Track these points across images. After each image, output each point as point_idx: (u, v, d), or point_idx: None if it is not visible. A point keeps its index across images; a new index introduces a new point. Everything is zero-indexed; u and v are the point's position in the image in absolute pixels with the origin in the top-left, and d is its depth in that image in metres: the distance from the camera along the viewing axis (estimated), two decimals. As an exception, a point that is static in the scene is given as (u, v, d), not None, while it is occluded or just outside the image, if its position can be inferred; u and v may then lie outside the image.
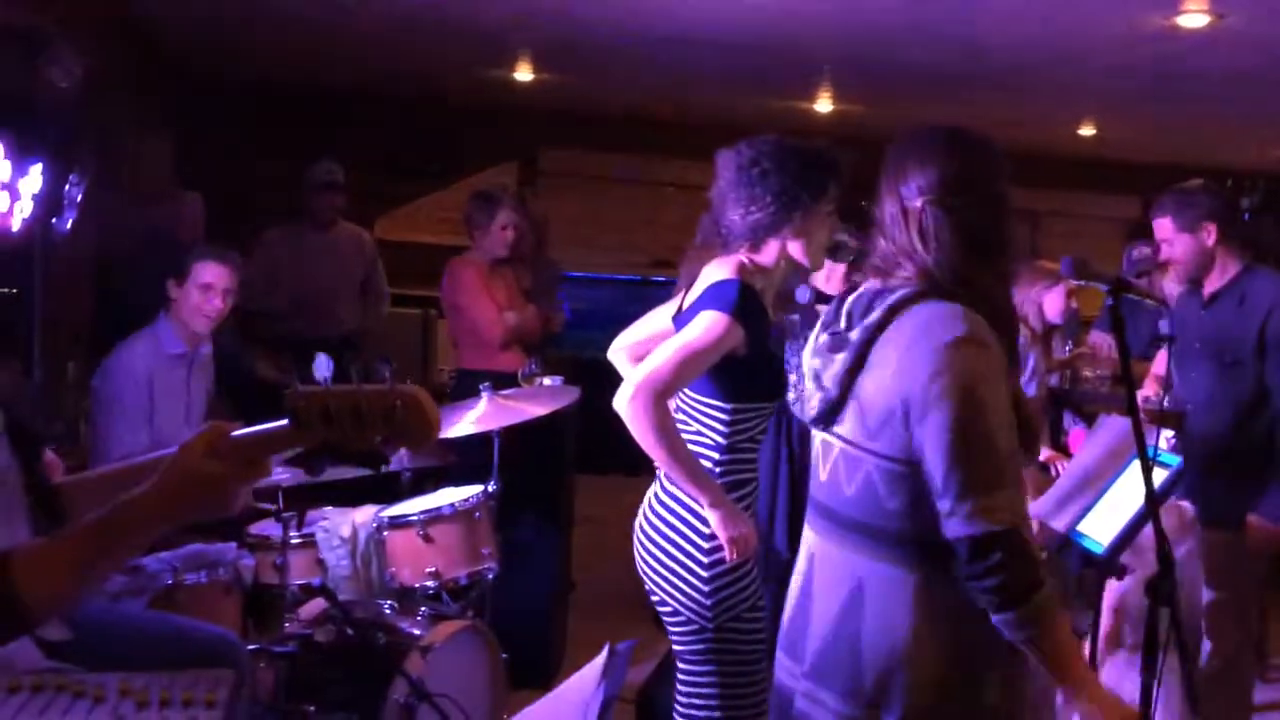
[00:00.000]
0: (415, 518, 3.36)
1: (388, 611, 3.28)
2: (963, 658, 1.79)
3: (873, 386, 1.79)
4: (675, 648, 2.52)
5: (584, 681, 1.70)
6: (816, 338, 1.93)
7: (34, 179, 3.61)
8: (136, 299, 3.86)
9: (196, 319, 3.50)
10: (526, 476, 4.07)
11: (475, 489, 3.50)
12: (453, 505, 3.40)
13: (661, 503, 2.50)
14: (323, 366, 1.42)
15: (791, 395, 2.01)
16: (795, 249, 2.47)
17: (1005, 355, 1.81)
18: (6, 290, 3.79)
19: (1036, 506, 2.69)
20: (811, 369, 1.90)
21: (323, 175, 5.49)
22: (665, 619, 2.51)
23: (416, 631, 3.12)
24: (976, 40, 5.02)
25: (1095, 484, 2.53)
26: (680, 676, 2.53)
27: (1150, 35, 4.64)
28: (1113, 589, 3.52)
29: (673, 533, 2.46)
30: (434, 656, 2.98)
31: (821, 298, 3.54)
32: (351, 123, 7.38)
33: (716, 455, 2.45)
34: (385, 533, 3.38)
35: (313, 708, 3.00)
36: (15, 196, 3.54)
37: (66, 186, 3.67)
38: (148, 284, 3.65)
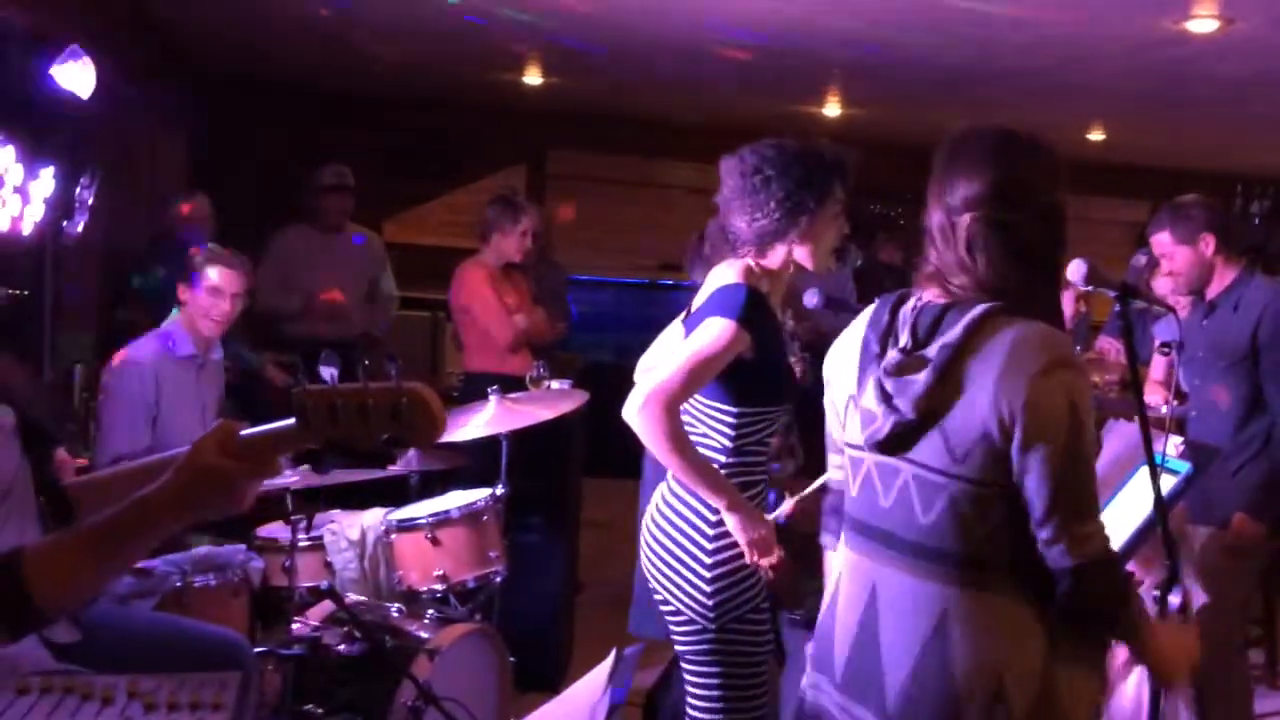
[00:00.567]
0: (423, 521, 3.36)
1: (395, 614, 3.28)
2: (1058, 681, 1.74)
3: (962, 409, 1.70)
4: (679, 649, 2.52)
5: (591, 685, 1.70)
6: (869, 351, 1.83)
7: (45, 182, 3.63)
8: (146, 301, 3.87)
9: (204, 322, 3.52)
10: (534, 480, 4.07)
11: (483, 492, 3.50)
12: (460, 508, 3.40)
13: (668, 503, 2.50)
14: (330, 365, 1.43)
15: (843, 420, 1.89)
16: (802, 254, 2.48)
17: None
18: (18, 292, 3.80)
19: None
20: (876, 388, 1.78)
21: (331, 178, 5.50)
22: (669, 619, 2.52)
23: (424, 634, 3.12)
24: (986, 45, 5.02)
25: (1103, 490, 2.53)
26: (686, 678, 2.53)
27: (1159, 40, 4.63)
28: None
29: (677, 533, 2.46)
30: (441, 660, 2.98)
31: (830, 302, 3.55)
32: (360, 125, 7.40)
33: (723, 459, 2.45)
34: (393, 536, 3.38)
35: (320, 710, 3.00)
36: (26, 200, 3.56)
37: (78, 189, 3.68)
38: (157, 286, 3.66)
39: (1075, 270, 1.98)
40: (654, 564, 2.51)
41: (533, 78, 6.54)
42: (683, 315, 2.64)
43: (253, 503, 1.50)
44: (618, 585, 3.97)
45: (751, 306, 2.38)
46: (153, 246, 5.04)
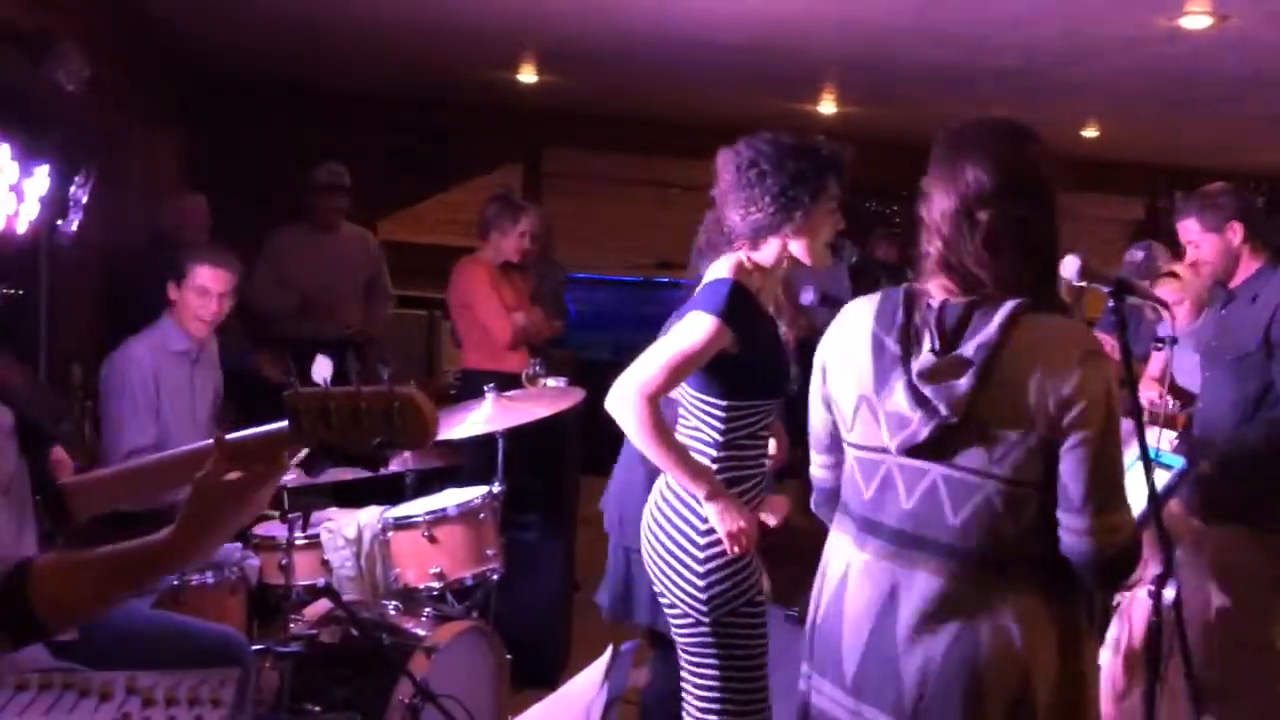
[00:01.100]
0: (420, 519, 3.37)
1: (392, 612, 3.28)
2: (1079, 677, 1.77)
3: (996, 408, 1.71)
4: (678, 641, 2.53)
5: (587, 682, 1.70)
6: (880, 347, 1.80)
7: (40, 181, 3.62)
8: (141, 300, 3.87)
9: (194, 323, 3.53)
10: (531, 477, 4.08)
11: (480, 490, 3.51)
12: (458, 506, 3.41)
13: (664, 497, 2.52)
14: (323, 368, 1.43)
15: (849, 422, 1.86)
16: (797, 248, 2.49)
17: None
18: (12, 291, 3.80)
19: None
20: (907, 391, 1.75)
21: (327, 176, 5.50)
22: (667, 612, 2.53)
23: (421, 632, 3.13)
24: (980, 42, 5.02)
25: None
26: (683, 671, 2.54)
27: (1153, 37, 4.64)
28: (1140, 602, 3.53)
29: (671, 527, 2.48)
30: (439, 657, 2.99)
31: (826, 299, 3.55)
32: (356, 124, 7.39)
33: (714, 452, 2.46)
34: (390, 533, 3.38)
35: (317, 708, 3.00)
36: (21, 198, 3.55)
37: (72, 188, 3.68)
38: (152, 285, 3.66)
39: (1068, 266, 1.99)
40: (652, 558, 2.52)
41: (528, 76, 6.54)
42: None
43: (265, 503, 1.50)
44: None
45: (735, 302, 2.39)
46: (147, 245, 5.04)
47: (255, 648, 2.88)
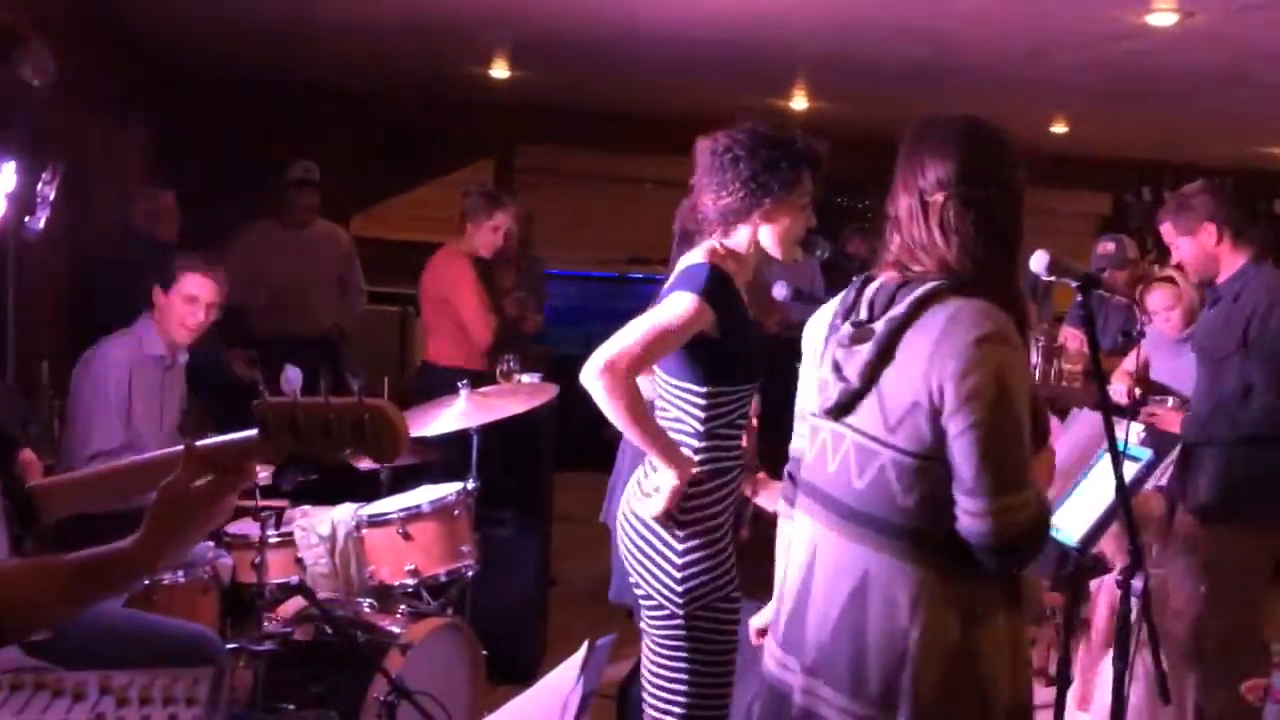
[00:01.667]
0: (394, 515, 3.36)
1: (367, 610, 3.28)
2: (971, 655, 1.78)
3: (897, 380, 1.77)
4: (648, 633, 2.53)
5: (563, 677, 1.71)
6: (834, 326, 1.90)
7: (7, 178, 3.58)
8: (114, 298, 3.84)
9: (179, 330, 3.51)
10: (505, 474, 4.07)
11: (454, 486, 3.50)
12: (432, 503, 3.40)
13: (643, 487, 2.52)
14: (293, 378, 1.43)
15: (807, 392, 1.96)
16: (766, 236, 2.50)
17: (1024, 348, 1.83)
18: (-21, 290, 3.75)
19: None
20: (830, 359, 1.86)
21: (298, 173, 5.47)
22: (642, 604, 2.54)
23: (396, 629, 3.12)
24: (949, 38, 5.05)
25: (1068, 478, 2.57)
26: (649, 664, 2.53)
27: (1120, 33, 4.68)
28: (1107, 587, 3.57)
29: (651, 520, 2.48)
30: (414, 654, 2.98)
31: (798, 294, 3.56)
32: (327, 120, 7.35)
33: (696, 443, 2.46)
34: (364, 530, 3.37)
35: (292, 706, 3.00)
36: (-12, 195, 3.51)
37: (39, 185, 3.64)
38: (123, 282, 3.63)
39: (1037, 261, 2.01)
40: (629, 550, 2.53)
41: (500, 71, 6.53)
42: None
43: (231, 510, 1.50)
44: (590, 579, 3.98)
45: (716, 284, 2.41)
46: (118, 242, 4.99)
47: (229, 646, 2.87)
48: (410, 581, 3.34)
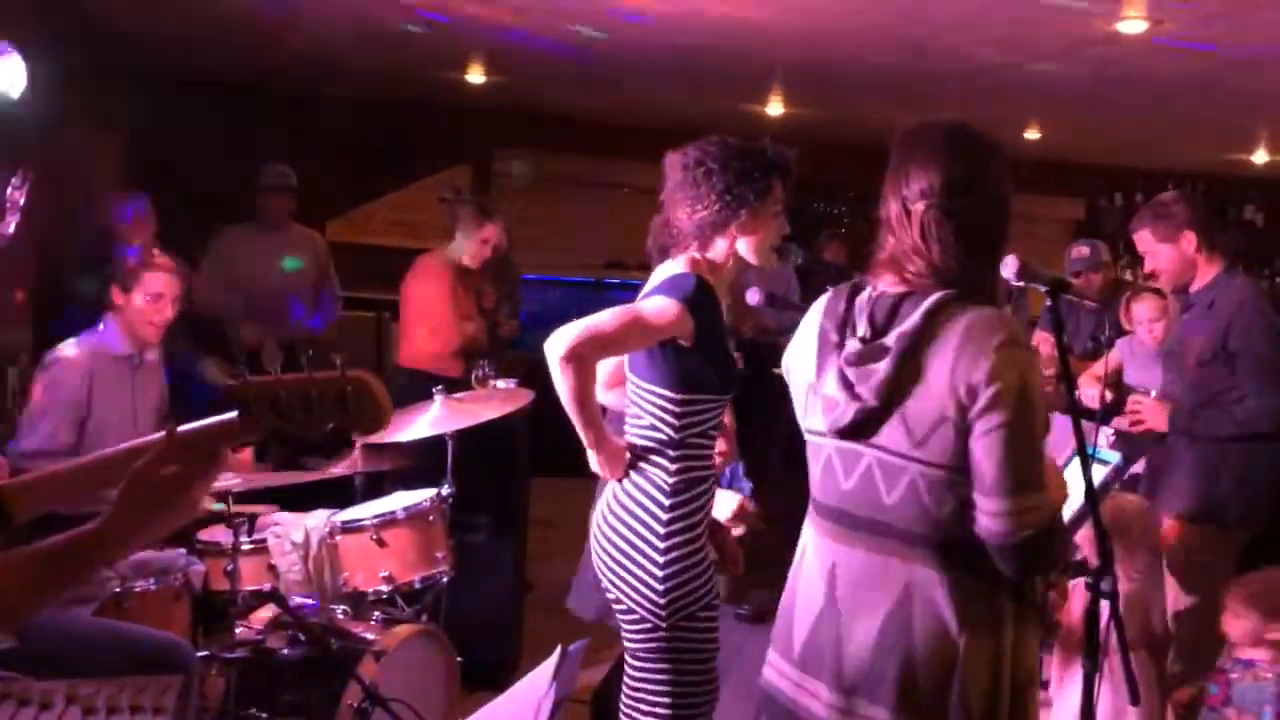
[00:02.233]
0: (368, 522, 3.35)
1: (341, 616, 3.26)
2: (1009, 660, 1.80)
3: (920, 395, 1.77)
4: (628, 645, 2.53)
5: (535, 682, 1.71)
6: (828, 340, 1.88)
7: (-24, 182, 3.55)
8: (84, 302, 3.81)
9: (145, 328, 3.49)
10: (481, 479, 4.06)
11: (429, 492, 3.50)
12: (406, 509, 3.39)
13: (619, 500, 2.52)
14: (272, 356, 1.43)
15: (803, 407, 1.94)
16: (743, 247, 2.51)
17: None
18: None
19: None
20: (837, 376, 1.84)
21: (274, 178, 5.45)
22: (620, 616, 2.53)
23: (370, 636, 3.11)
24: (922, 45, 5.09)
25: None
26: (629, 675, 2.53)
27: (1091, 40, 4.72)
28: (1080, 593, 3.59)
29: (628, 530, 2.48)
30: (388, 661, 2.98)
31: (772, 300, 3.58)
32: (303, 125, 7.32)
33: (671, 451, 2.46)
34: (338, 537, 3.36)
35: (264, 714, 2.98)
36: (-43, 200, 3.48)
37: (9, 190, 3.61)
38: (95, 287, 3.61)
39: (1007, 266, 2.02)
40: (605, 561, 2.52)
41: (476, 76, 6.52)
42: None
43: (205, 508, 1.48)
44: (566, 584, 3.96)
45: (699, 294, 2.42)
46: (90, 247, 4.95)
47: (200, 654, 2.85)
48: (385, 588, 3.32)
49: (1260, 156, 7.67)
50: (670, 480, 2.45)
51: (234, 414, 1.40)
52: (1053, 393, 4.67)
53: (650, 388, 2.48)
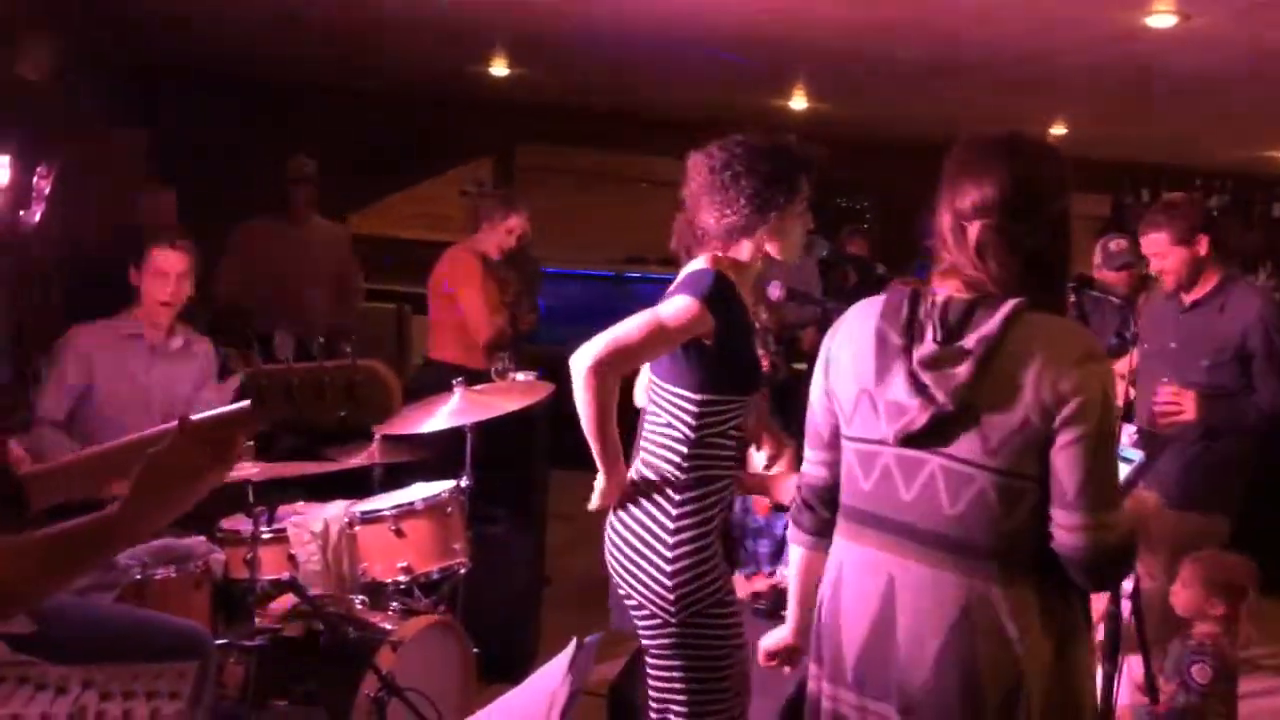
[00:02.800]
0: (387, 512, 3.36)
1: (358, 606, 3.27)
2: (1069, 675, 1.79)
3: (998, 400, 1.73)
4: (644, 643, 2.53)
5: (550, 674, 1.70)
6: (885, 343, 1.83)
7: (2, 171, 3.58)
8: (106, 292, 3.83)
9: (153, 306, 3.52)
10: (499, 471, 4.07)
11: (447, 484, 3.50)
12: (425, 500, 3.40)
13: (629, 498, 2.51)
14: (285, 345, 1.45)
15: (852, 415, 1.89)
16: (770, 248, 2.50)
17: None
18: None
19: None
20: (905, 380, 1.79)
21: (296, 169, 5.46)
22: (633, 613, 2.52)
23: (387, 626, 3.12)
24: (948, 40, 5.05)
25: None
26: (651, 672, 2.53)
27: (1119, 35, 4.68)
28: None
29: (638, 527, 2.47)
30: (404, 651, 2.98)
31: (793, 294, 3.56)
32: (326, 117, 7.34)
33: (685, 449, 2.45)
34: (357, 527, 3.37)
35: (283, 702, 2.99)
36: (-17, 189, 3.51)
37: (35, 179, 3.64)
38: (118, 277, 3.63)
39: None
40: (616, 559, 2.51)
41: (500, 69, 6.52)
42: None
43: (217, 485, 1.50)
44: (585, 578, 3.98)
45: (719, 290, 2.40)
46: (115, 239, 4.98)
47: (219, 642, 2.86)
48: (402, 579, 3.33)
49: (1289, 153, 7.59)
50: (682, 476, 2.43)
51: (247, 403, 1.41)
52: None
53: (670, 388, 2.46)
